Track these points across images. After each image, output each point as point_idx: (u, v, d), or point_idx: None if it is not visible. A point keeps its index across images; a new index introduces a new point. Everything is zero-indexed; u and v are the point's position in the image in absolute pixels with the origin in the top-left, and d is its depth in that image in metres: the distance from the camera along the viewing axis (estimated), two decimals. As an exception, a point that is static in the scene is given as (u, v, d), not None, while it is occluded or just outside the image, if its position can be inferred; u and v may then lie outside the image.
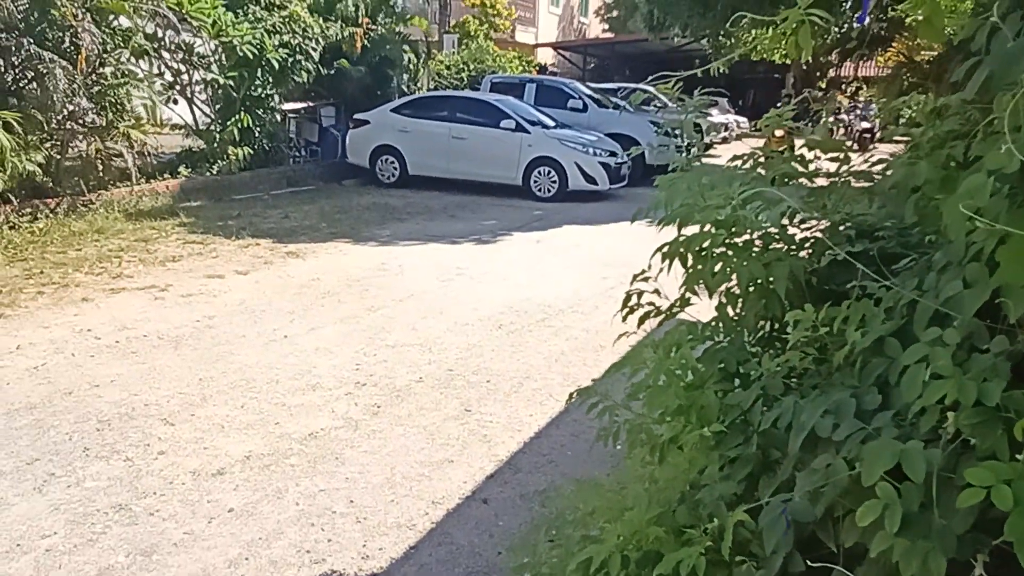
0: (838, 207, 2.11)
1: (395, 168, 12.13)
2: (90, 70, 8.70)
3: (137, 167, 9.41)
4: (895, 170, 2.00)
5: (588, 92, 14.26)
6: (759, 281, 1.90)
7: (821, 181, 2.19)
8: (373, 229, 9.07)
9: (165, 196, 9.93)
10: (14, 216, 7.93)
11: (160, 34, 10.26)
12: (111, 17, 9.04)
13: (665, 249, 2.12)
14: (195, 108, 11.47)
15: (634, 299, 2.05)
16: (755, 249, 1.97)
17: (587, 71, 26.47)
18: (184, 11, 10.37)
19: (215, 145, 11.15)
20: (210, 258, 7.36)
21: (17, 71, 8.42)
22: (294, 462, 3.55)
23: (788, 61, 22.79)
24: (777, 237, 2.02)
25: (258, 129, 11.65)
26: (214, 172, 10.95)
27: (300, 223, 9.24)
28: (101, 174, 9.35)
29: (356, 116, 12.56)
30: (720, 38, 15.19)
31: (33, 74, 8.30)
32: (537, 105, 12.97)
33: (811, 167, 2.19)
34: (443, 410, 4.11)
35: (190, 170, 10.77)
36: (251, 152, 11.32)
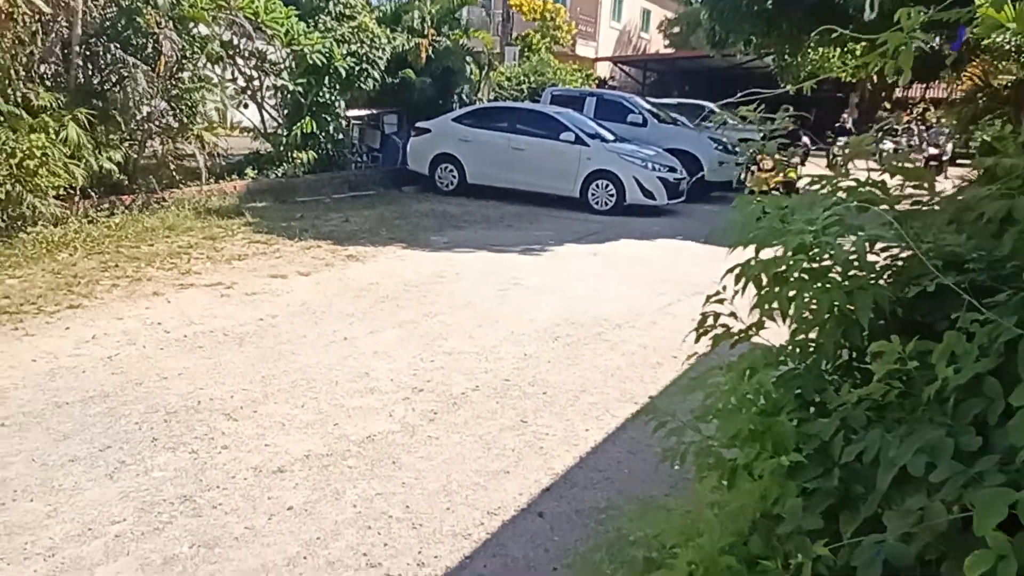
0: (923, 236, 2.06)
1: (454, 176, 12.28)
2: (168, 74, 9.08)
3: (207, 168, 9.77)
4: (984, 202, 1.94)
5: (648, 107, 14.19)
6: (839, 309, 1.86)
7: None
8: (431, 236, 9.18)
9: (232, 196, 10.25)
10: (93, 211, 8.31)
11: (236, 41, 10.64)
12: (191, 25, 9.41)
13: (737, 271, 2.10)
14: (264, 112, 11.82)
15: (710, 320, 2.02)
16: (835, 276, 1.94)
17: (646, 86, 26.29)
18: (259, 20, 10.74)
19: (281, 148, 11.48)
20: (274, 258, 7.56)
21: (103, 74, 8.87)
22: (352, 464, 3.61)
23: (853, 80, 22.21)
24: (856, 264, 1.98)
25: (323, 134, 11.94)
26: (279, 175, 11.26)
27: (360, 227, 9.41)
28: (173, 173, 9.74)
29: (418, 124, 12.76)
30: (785, 56, 14.94)
31: (116, 77, 8.72)
32: (597, 119, 12.97)
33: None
34: (499, 420, 4.12)
35: (256, 172, 11.10)
36: (315, 156, 11.61)
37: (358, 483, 3.44)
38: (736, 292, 2.07)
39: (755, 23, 13.43)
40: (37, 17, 7.75)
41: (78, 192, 8.01)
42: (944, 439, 1.18)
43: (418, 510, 3.24)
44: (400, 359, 4.99)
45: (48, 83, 8.21)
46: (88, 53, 8.68)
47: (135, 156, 9.20)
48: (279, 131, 11.78)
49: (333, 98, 12.05)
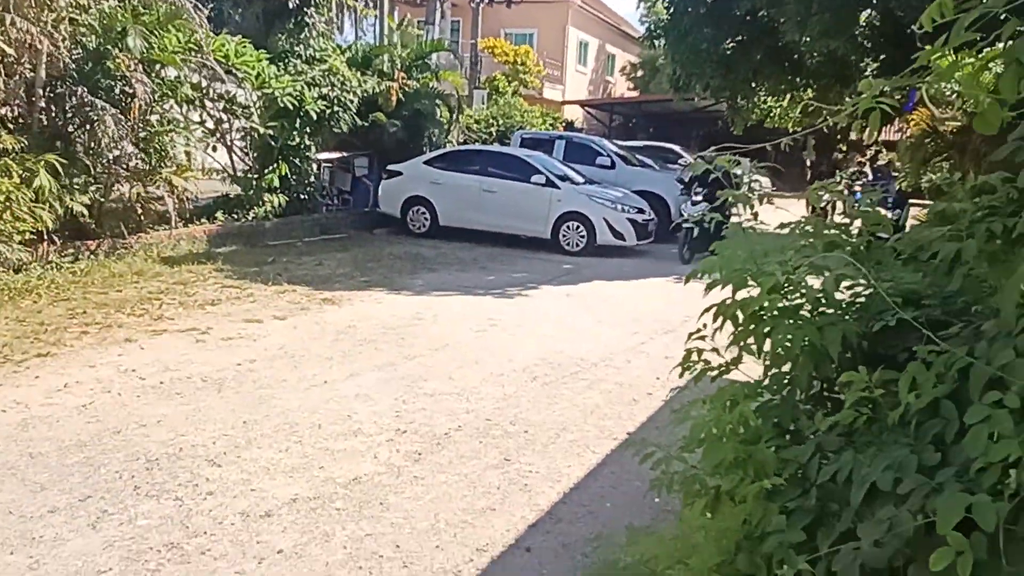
0: (882, 275, 2.24)
1: (426, 219, 12.44)
2: (140, 117, 9.07)
3: (176, 212, 9.70)
4: (936, 243, 2.13)
5: (616, 149, 14.59)
6: (810, 343, 2.02)
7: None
8: (406, 278, 9.27)
9: (201, 241, 10.20)
10: (56, 256, 8.15)
11: (205, 84, 10.68)
12: (158, 67, 9.45)
13: (714, 310, 2.26)
14: (234, 155, 11.84)
15: (693, 355, 2.17)
16: (805, 313, 2.10)
17: (612, 128, 26.95)
18: (230, 63, 10.82)
19: (251, 192, 11.49)
20: (248, 303, 7.56)
21: (66, 117, 8.66)
22: (340, 506, 3.64)
23: (797, 129, 23.11)
24: (824, 301, 2.15)
25: (294, 178, 12.01)
26: (249, 218, 11.26)
27: (334, 271, 9.46)
28: (140, 217, 9.63)
29: (389, 167, 12.93)
30: (739, 100, 15.53)
31: (82, 120, 8.57)
32: (566, 161, 13.30)
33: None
34: (483, 459, 4.19)
35: (225, 215, 11.08)
36: (286, 200, 11.65)
37: (347, 524, 3.47)
38: (717, 330, 2.22)
39: (715, 67, 14.00)
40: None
41: (46, 237, 7.93)
42: (908, 456, 1.32)
43: (408, 549, 3.28)
44: (382, 401, 5.04)
45: (10, 126, 8.01)
46: (52, 95, 8.54)
47: (102, 200, 9.07)
48: (249, 174, 11.81)
49: (304, 141, 12.16)
